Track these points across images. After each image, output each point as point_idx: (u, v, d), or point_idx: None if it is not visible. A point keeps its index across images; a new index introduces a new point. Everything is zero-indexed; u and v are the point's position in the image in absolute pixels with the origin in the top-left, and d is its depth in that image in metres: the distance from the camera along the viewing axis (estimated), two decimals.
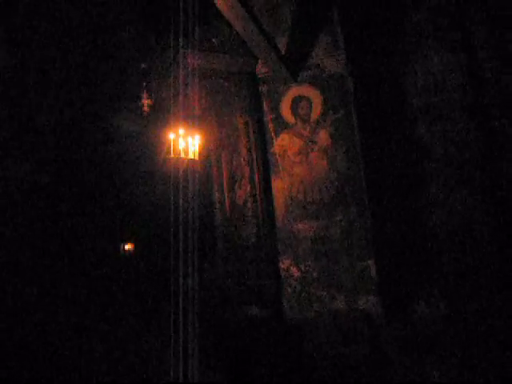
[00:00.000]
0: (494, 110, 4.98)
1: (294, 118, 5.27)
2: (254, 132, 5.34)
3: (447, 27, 5.13)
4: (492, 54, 5.00)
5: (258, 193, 5.21)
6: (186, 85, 4.91)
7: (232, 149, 5.33)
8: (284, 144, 5.27)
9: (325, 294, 4.87)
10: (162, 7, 5.07)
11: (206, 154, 5.09)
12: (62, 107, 5.44)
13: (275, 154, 5.30)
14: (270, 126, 5.36)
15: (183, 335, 3.96)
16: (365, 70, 5.31)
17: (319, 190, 5.05)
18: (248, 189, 5.21)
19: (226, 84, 5.39)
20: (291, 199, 5.15)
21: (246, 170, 5.24)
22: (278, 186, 5.24)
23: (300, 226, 5.08)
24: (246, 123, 5.34)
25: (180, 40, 4.66)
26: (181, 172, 4.39)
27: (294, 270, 5.05)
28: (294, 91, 5.30)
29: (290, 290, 5.03)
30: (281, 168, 5.25)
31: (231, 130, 5.37)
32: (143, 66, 5.56)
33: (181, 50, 4.82)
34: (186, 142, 4.35)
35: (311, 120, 5.19)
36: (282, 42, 5.22)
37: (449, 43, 5.10)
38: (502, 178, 4.87)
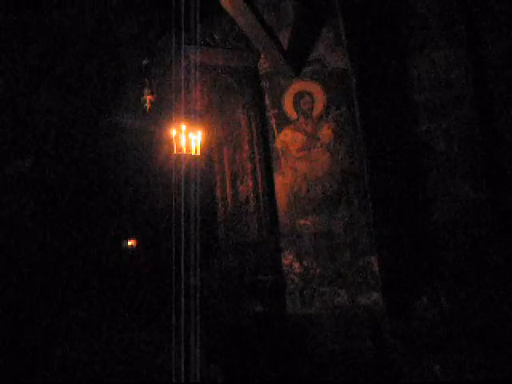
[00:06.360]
0: (497, 105, 4.94)
1: (296, 114, 5.25)
2: (256, 128, 5.32)
3: (452, 21, 5.08)
4: (498, 49, 4.95)
5: (260, 189, 5.20)
6: (188, 80, 4.89)
7: (234, 145, 5.32)
8: (286, 140, 5.25)
9: (327, 289, 4.87)
10: (164, 2, 5.05)
11: (208, 149, 5.08)
12: (63, 103, 5.43)
13: (278, 150, 5.29)
14: (273, 121, 5.34)
15: (185, 333, 3.95)
16: (367, 65, 5.27)
17: (322, 186, 5.03)
18: (250, 185, 5.20)
19: (228, 79, 5.37)
20: (294, 195, 5.14)
21: (249, 165, 5.23)
22: (281, 181, 5.23)
23: (302, 221, 5.07)
24: (249, 119, 5.31)
25: (182, 36, 4.64)
26: (183, 168, 4.38)
27: (296, 265, 5.05)
28: (297, 86, 5.27)
29: (292, 285, 5.03)
30: (283, 164, 5.24)
31: (233, 126, 5.35)
32: (145, 62, 5.54)
33: (182, 46, 4.80)
34: (187, 138, 4.34)
35: (314, 115, 5.17)
36: (284, 37, 5.18)
37: (453, 37, 5.05)
38: (505, 173, 4.84)
